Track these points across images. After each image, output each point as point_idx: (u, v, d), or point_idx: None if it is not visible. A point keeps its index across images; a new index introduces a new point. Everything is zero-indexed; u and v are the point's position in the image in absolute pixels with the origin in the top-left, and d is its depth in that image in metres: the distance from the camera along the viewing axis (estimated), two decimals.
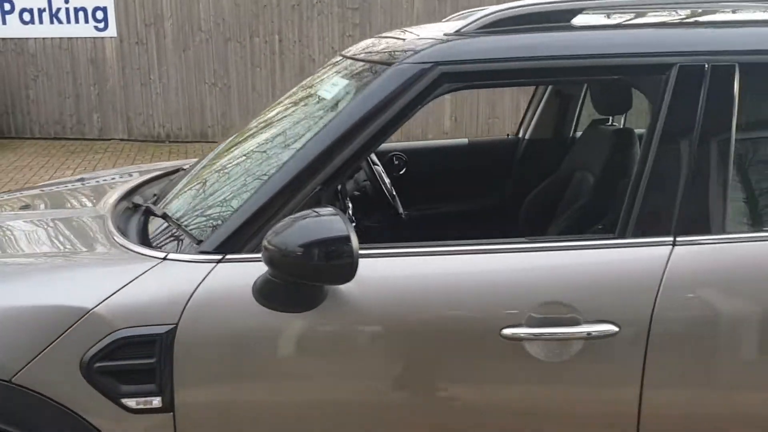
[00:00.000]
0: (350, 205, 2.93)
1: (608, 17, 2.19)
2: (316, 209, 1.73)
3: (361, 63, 2.19)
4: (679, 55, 1.93)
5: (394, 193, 3.20)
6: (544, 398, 1.87)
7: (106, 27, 9.61)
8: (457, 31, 2.05)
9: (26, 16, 9.63)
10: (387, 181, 3.16)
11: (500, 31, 2.02)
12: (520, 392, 1.87)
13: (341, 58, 2.49)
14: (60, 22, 9.63)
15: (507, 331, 1.81)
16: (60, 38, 9.68)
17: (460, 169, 3.48)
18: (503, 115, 9.69)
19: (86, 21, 9.61)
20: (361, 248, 1.75)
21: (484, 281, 1.86)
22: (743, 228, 1.97)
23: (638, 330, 1.82)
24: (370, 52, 2.25)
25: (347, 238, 1.66)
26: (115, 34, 9.62)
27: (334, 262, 1.67)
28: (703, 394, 1.87)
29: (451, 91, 1.97)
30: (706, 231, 1.88)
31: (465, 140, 3.70)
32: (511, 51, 1.97)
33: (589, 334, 1.81)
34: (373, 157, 3.28)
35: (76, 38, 9.68)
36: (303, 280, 1.72)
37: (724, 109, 1.91)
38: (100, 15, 9.57)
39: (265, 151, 2.19)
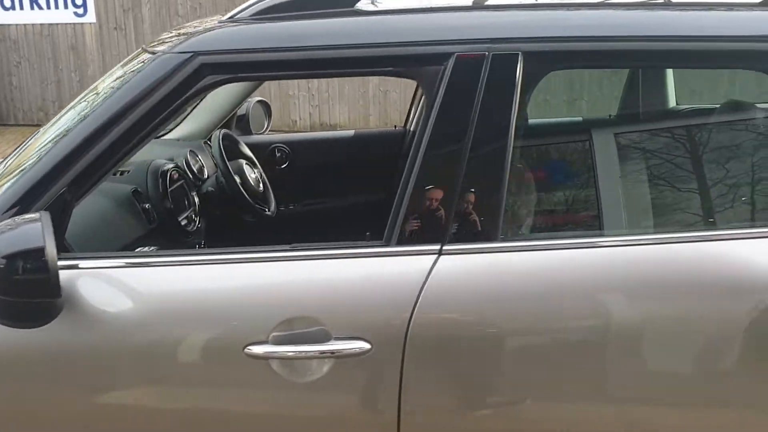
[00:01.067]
0: (197, 201, 2.78)
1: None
2: (19, 216, 1.59)
3: (146, 54, 2.04)
4: (458, 43, 1.74)
5: (261, 188, 3.05)
6: (293, 421, 1.71)
7: (85, 12, 9.53)
8: (230, 18, 1.88)
9: (7, 2, 9.60)
10: (253, 176, 3.00)
11: (273, 18, 1.85)
12: (266, 415, 1.71)
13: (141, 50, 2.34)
14: (40, 8, 9.58)
15: (251, 349, 1.65)
16: (41, 24, 9.64)
17: (344, 163, 3.31)
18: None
19: (66, 6, 9.54)
20: (91, 257, 1.59)
21: (232, 293, 1.70)
22: (519, 236, 1.78)
23: (393, 347, 1.64)
24: (154, 42, 2.09)
25: (40, 251, 1.50)
26: (94, 20, 9.54)
27: (29, 276, 1.52)
28: (464, 414, 1.70)
29: (217, 84, 1.80)
30: (478, 239, 1.70)
31: (351, 132, 3.52)
32: (278, 39, 1.80)
33: (333, 352, 1.64)
34: (245, 149, 3.13)
35: (57, 24, 9.62)
36: (8, 296, 1.57)
37: (504, 104, 1.71)
38: (79, 1, 9.49)
39: (38, 147, 2.05)
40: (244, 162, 2.97)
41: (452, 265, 1.68)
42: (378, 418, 1.69)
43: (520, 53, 1.72)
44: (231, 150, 2.95)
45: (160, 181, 2.53)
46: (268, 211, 2.99)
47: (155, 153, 2.76)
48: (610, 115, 2.92)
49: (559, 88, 5.62)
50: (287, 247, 1.77)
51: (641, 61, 1.92)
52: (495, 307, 1.67)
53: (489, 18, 1.82)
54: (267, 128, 3.60)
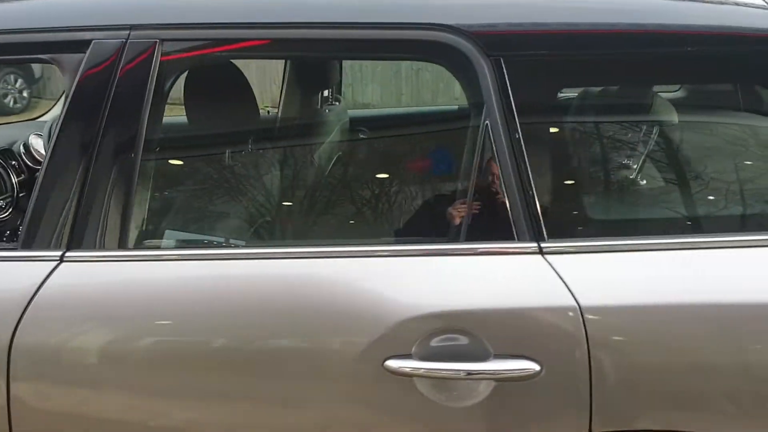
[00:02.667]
0: (17, 188, 2.72)
1: None
2: None
3: None
4: (97, 29, 1.58)
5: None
6: None
7: None
8: None
9: None
10: None
11: None
12: None
13: None
14: None
15: None
16: None
17: None
18: None
19: None
20: None
21: None
22: (152, 244, 1.62)
23: None
24: None
25: None
26: None
27: None
28: None
29: None
30: (103, 246, 1.54)
31: None
32: None
33: None
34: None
35: None
36: None
37: (137, 97, 1.55)
38: None
39: None
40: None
41: (70, 273, 1.53)
42: None
43: (158, 41, 1.55)
44: None
45: None
46: None
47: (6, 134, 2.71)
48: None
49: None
50: None
51: (300, 51, 1.69)
52: (107, 321, 1.51)
53: (131, 3, 1.65)
54: None
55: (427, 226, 1.83)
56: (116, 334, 1.51)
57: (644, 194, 1.63)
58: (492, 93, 1.47)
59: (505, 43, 1.49)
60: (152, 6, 1.61)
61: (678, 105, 1.83)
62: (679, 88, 2.16)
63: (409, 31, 1.52)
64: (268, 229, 1.88)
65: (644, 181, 1.63)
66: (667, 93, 2.21)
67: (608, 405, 1.40)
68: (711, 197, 1.61)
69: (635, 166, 1.61)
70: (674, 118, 1.71)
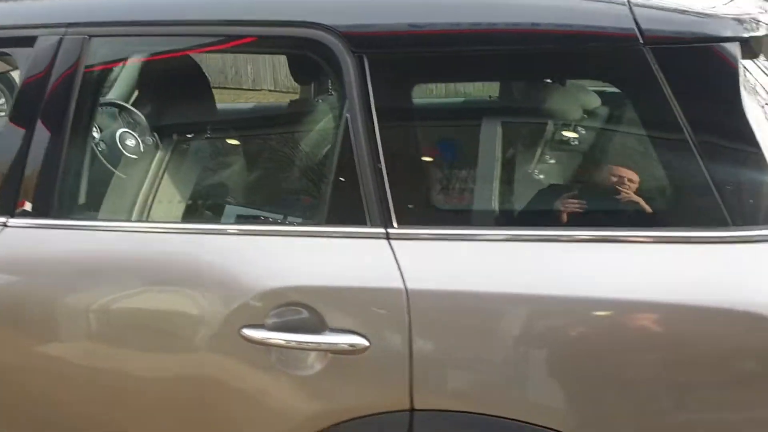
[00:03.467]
0: None
1: None
2: None
3: None
4: (42, 27, 1.84)
5: None
6: None
7: None
8: None
9: None
10: None
11: None
12: None
13: None
14: None
15: None
16: None
17: None
18: None
19: None
20: None
21: None
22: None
23: None
24: None
25: None
26: None
27: None
28: None
29: None
30: None
31: None
32: None
33: None
34: None
35: None
36: None
37: (68, 88, 1.79)
38: None
39: None
40: None
41: None
42: None
43: (86, 37, 1.78)
44: None
45: None
46: None
47: None
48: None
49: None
50: None
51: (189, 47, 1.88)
52: None
53: (68, 2, 1.88)
54: None
55: (298, 210, 1.97)
56: None
57: (486, 187, 1.68)
58: (354, 87, 1.58)
59: (368, 42, 1.60)
60: (86, 5, 1.85)
61: (517, 101, 1.84)
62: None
63: (285, 28, 1.66)
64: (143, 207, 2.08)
65: (487, 174, 1.68)
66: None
67: (427, 385, 1.50)
68: (545, 192, 1.64)
69: (480, 160, 1.66)
70: (516, 116, 1.74)
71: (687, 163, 1.42)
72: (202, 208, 2.04)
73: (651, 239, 1.44)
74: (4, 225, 1.78)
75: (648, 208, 1.55)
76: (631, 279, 1.42)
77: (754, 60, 1.57)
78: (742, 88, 1.41)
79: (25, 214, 1.77)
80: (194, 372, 1.65)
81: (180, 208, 2.03)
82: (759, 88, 1.50)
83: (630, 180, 1.60)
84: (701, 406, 1.42)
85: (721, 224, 1.40)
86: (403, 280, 1.50)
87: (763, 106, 1.46)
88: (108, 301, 1.69)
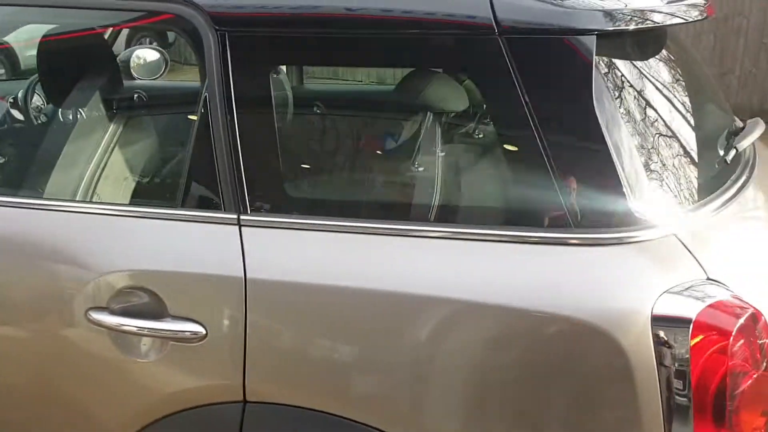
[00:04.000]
0: None
1: None
2: None
3: None
4: None
5: None
6: None
7: None
8: None
9: None
10: None
11: None
12: None
13: None
14: None
15: None
16: None
17: None
18: None
19: None
20: None
21: None
22: None
23: None
24: None
25: None
26: None
27: None
28: None
29: None
30: None
31: None
32: None
33: None
34: None
35: None
36: None
37: None
38: None
39: None
40: None
41: None
42: None
43: None
44: None
45: None
46: None
47: None
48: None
49: None
50: None
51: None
52: None
53: None
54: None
55: (159, 191, 1.92)
56: None
57: (339, 177, 1.63)
58: (214, 66, 1.52)
59: (231, 21, 1.54)
60: None
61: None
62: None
63: (152, 2, 1.61)
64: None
65: (341, 165, 1.62)
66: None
67: (258, 377, 1.45)
68: (386, 185, 1.58)
69: (337, 150, 1.60)
70: (374, 105, 1.68)
71: (534, 160, 1.36)
72: (65, 184, 1.98)
73: (475, 237, 1.38)
74: None
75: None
76: (448, 276, 1.36)
77: (627, 57, 1.51)
78: (594, 85, 1.34)
79: None
80: (42, 349, 1.61)
81: (51, 185, 1.98)
82: (621, 86, 1.44)
83: None
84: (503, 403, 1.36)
85: (563, 225, 1.34)
86: (245, 269, 1.45)
87: (619, 106, 1.40)
88: None
